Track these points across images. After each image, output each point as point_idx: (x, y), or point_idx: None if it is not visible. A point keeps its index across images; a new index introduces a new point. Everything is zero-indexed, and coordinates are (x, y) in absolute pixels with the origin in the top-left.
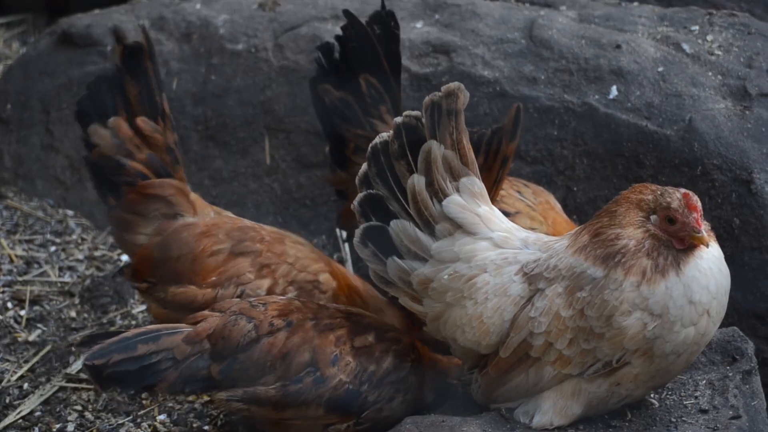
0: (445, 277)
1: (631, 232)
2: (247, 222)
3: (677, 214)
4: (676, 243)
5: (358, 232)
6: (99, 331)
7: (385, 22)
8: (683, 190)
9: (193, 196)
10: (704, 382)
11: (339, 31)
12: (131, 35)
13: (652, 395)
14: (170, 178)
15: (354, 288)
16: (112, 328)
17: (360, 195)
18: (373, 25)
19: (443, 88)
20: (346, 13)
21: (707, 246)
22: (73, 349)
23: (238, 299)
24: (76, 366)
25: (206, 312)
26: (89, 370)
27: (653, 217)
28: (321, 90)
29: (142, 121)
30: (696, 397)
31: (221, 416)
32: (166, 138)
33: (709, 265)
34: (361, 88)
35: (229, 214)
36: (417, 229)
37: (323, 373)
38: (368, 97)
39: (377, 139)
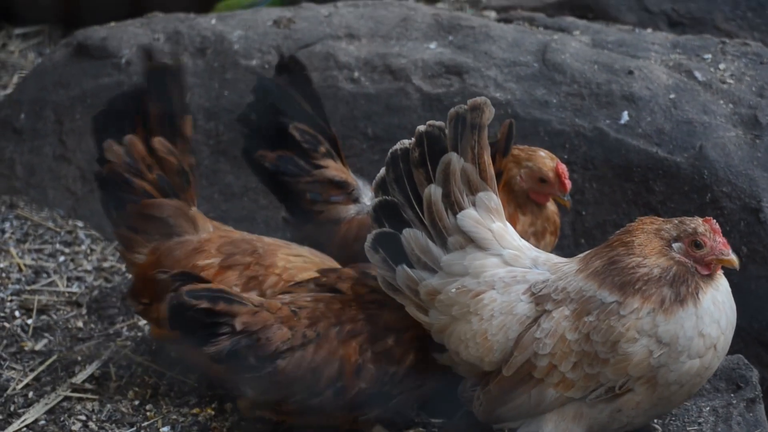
0: (453, 290)
1: (654, 261)
2: (246, 235)
3: (705, 238)
4: (702, 269)
5: (370, 237)
6: (187, 271)
7: (290, 68)
8: (698, 218)
9: (193, 212)
10: (708, 409)
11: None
12: (156, 53)
13: (655, 421)
14: (176, 199)
15: None
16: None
17: (375, 200)
18: (281, 76)
19: (469, 102)
20: (257, 76)
21: (737, 267)
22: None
23: (284, 300)
24: (81, 376)
25: (266, 302)
26: (174, 307)
27: (676, 245)
28: (257, 158)
29: (158, 142)
30: (699, 424)
31: (225, 429)
32: (181, 160)
33: (723, 298)
34: (295, 138)
35: (229, 228)
36: (429, 240)
37: (345, 384)
38: (305, 143)
39: (398, 145)
